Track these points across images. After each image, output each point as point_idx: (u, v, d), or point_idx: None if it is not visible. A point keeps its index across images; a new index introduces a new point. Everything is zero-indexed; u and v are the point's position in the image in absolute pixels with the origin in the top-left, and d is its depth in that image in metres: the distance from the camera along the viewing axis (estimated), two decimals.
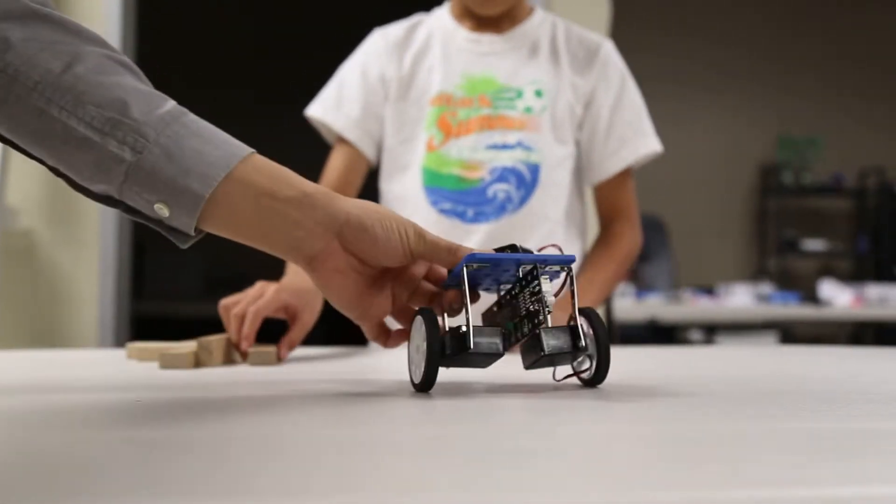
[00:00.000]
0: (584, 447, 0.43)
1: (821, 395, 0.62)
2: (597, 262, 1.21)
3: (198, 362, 0.81)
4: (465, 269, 0.59)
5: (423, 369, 0.58)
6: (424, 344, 0.58)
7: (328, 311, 1.03)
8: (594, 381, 0.62)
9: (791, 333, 4.25)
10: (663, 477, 0.35)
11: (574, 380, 0.64)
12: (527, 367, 0.61)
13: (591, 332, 0.60)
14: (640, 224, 1.26)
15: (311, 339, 1.00)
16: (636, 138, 1.21)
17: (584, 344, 0.58)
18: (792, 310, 3.99)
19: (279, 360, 0.88)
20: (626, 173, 1.24)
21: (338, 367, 0.84)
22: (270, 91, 5.02)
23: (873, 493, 0.33)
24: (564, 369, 0.63)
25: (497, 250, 0.62)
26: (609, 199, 1.25)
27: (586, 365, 0.62)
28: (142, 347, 0.88)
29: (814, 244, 5.91)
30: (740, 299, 4.09)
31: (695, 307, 3.95)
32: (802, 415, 0.53)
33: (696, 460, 0.39)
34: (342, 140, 1.22)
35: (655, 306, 3.75)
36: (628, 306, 3.61)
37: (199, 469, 0.36)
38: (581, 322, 0.59)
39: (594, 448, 0.43)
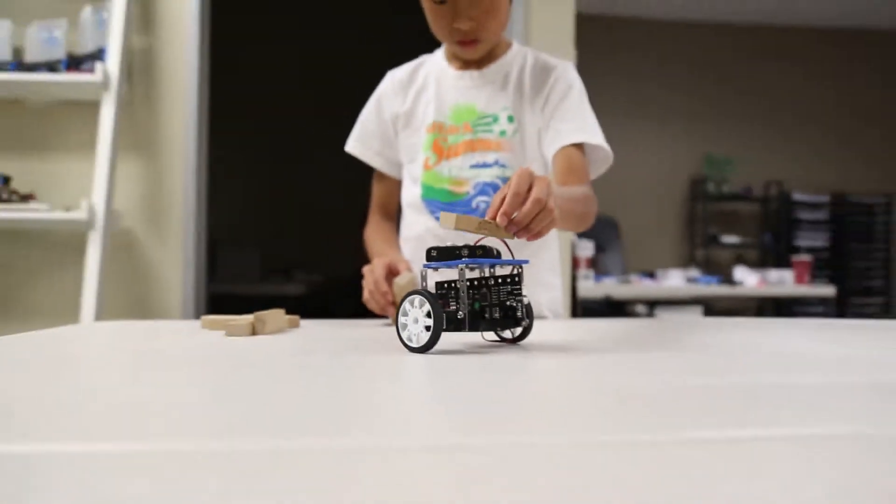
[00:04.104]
0: (549, 396, 0.43)
1: (731, 355, 0.61)
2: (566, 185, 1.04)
3: (254, 331, 0.81)
4: (463, 268, 0.61)
5: (428, 336, 0.60)
6: (426, 317, 0.59)
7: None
8: (518, 340, 0.68)
9: (712, 307, 4.23)
10: (610, 423, 0.35)
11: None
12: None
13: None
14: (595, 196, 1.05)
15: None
16: (588, 129, 1.09)
17: (526, 323, 0.66)
18: (713, 289, 3.97)
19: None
20: (579, 147, 1.08)
21: (356, 335, 0.84)
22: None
23: (768, 434, 0.32)
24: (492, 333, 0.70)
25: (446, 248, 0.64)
26: (564, 162, 1.07)
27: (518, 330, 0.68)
28: (212, 319, 0.88)
29: (730, 239, 5.90)
30: (674, 281, 4.07)
31: (640, 287, 3.93)
32: (716, 371, 0.52)
33: (632, 408, 0.38)
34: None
35: (610, 287, 3.74)
36: (589, 287, 3.60)
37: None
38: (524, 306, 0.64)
39: (558, 398, 0.43)
